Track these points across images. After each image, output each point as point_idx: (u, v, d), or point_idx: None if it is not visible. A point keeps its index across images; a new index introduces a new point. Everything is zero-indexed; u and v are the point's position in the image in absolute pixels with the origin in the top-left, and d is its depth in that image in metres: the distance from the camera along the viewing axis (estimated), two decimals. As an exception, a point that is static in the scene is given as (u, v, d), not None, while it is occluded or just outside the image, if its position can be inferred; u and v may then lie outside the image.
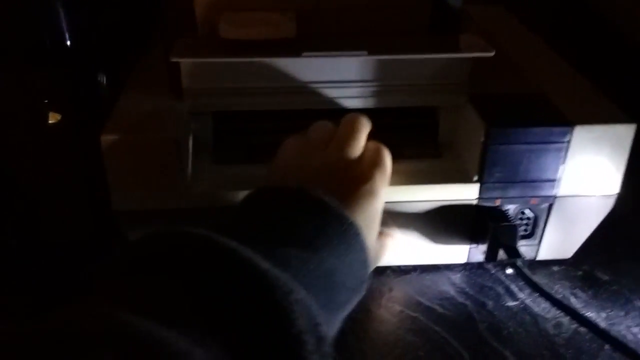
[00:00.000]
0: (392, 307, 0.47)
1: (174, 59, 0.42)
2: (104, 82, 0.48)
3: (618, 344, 0.40)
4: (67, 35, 0.43)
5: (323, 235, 0.31)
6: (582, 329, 0.44)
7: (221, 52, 0.43)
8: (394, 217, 0.47)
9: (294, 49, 0.42)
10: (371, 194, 0.36)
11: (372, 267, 0.35)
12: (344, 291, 0.31)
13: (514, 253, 0.45)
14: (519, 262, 0.44)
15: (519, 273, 0.44)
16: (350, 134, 0.40)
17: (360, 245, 0.33)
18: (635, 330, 0.45)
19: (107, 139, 0.42)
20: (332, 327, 0.32)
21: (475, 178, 0.46)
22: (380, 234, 0.39)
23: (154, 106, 0.45)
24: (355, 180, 0.37)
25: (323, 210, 0.32)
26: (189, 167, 0.45)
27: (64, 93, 0.45)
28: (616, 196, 0.47)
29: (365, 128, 0.41)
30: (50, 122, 0.45)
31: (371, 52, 0.42)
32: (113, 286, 0.25)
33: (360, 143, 0.40)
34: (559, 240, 0.49)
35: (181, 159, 0.43)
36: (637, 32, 0.77)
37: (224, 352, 0.22)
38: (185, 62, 0.43)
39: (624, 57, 0.78)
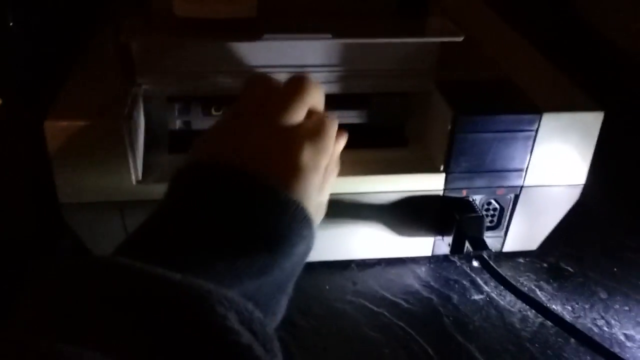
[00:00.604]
0: (355, 302, 0.45)
1: (125, 39, 0.39)
2: (51, 65, 0.44)
3: (584, 338, 0.39)
4: (10, 16, 0.40)
5: (255, 224, 0.28)
6: (548, 323, 0.44)
7: (176, 32, 0.40)
8: (358, 209, 0.45)
9: (255, 30, 0.40)
10: (299, 170, 0.32)
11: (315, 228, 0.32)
12: (281, 273, 0.29)
13: (480, 245, 0.44)
14: (485, 254, 0.43)
15: (485, 265, 0.43)
16: (291, 97, 0.34)
17: (302, 223, 0.30)
18: (600, 323, 0.44)
19: (51, 125, 0.39)
20: (277, 306, 0.30)
21: (442, 168, 0.44)
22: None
23: (103, 90, 0.42)
24: (285, 153, 0.32)
25: (257, 193, 0.29)
26: (140, 157, 0.42)
27: (6, 76, 0.42)
28: (582, 187, 0.46)
29: (310, 92, 0.35)
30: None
31: (336, 36, 0.40)
32: (34, 313, 0.23)
33: (299, 109, 0.34)
34: (524, 231, 0.48)
35: (132, 147, 0.40)
36: (603, 21, 0.77)
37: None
38: (136, 42, 0.40)
39: (589, 46, 0.78)
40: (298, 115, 0.34)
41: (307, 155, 0.32)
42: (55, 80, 0.43)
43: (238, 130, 0.33)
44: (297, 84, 0.35)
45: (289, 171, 0.31)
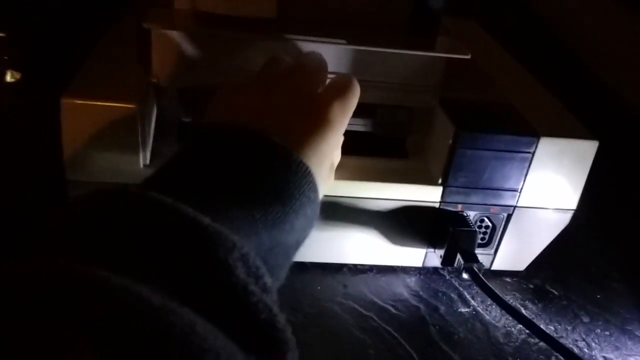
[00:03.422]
0: (345, 304, 0.46)
1: (146, 26, 0.40)
2: (73, 44, 0.46)
3: (567, 353, 0.40)
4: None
5: (270, 179, 0.30)
6: (531, 340, 0.45)
7: (195, 24, 0.42)
8: (355, 214, 0.46)
9: (272, 30, 0.41)
10: (326, 126, 0.34)
11: (321, 195, 0.34)
12: (292, 233, 0.31)
13: (471, 258, 0.45)
14: (475, 267, 0.44)
15: (475, 278, 0.44)
16: (309, 65, 0.39)
17: (310, 187, 0.32)
18: (581, 344, 0.45)
19: (67, 102, 0.40)
20: (282, 269, 0.32)
21: (440, 181, 0.46)
22: None
23: (121, 74, 0.43)
24: (310, 111, 0.34)
25: (270, 154, 0.31)
26: (150, 143, 0.43)
27: (26, 51, 0.43)
28: (573, 212, 0.48)
29: (325, 64, 0.40)
30: (8, 80, 0.43)
31: (350, 42, 0.42)
32: (55, 238, 0.24)
33: (319, 74, 0.39)
34: (514, 251, 0.50)
35: (143, 132, 0.41)
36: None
37: (171, 297, 0.21)
38: (157, 30, 0.42)
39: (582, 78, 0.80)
40: (322, 82, 0.38)
41: (334, 111, 0.35)
42: (77, 59, 0.44)
43: (262, 98, 0.35)
44: (316, 56, 0.40)
45: (310, 134, 0.33)
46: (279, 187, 0.30)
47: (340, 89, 0.37)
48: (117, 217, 0.24)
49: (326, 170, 0.36)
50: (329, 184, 0.40)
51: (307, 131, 0.34)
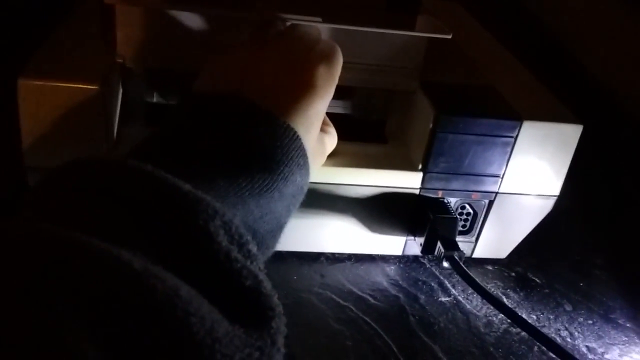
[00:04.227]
0: (322, 294, 0.44)
1: (110, 2, 0.38)
2: (33, 22, 0.43)
3: (549, 343, 0.39)
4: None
5: (256, 146, 0.29)
6: (513, 329, 0.44)
7: (162, 1, 0.40)
8: (333, 200, 0.44)
9: (245, 6, 0.39)
10: (312, 90, 0.33)
11: (311, 170, 0.33)
12: (281, 200, 0.30)
13: (451, 246, 0.44)
14: (456, 255, 0.43)
15: (455, 266, 0.43)
16: (296, 31, 0.38)
17: (298, 152, 0.31)
18: (564, 333, 0.44)
19: (24, 83, 0.37)
20: (274, 236, 0.31)
21: (420, 167, 0.44)
22: (321, 130, 0.38)
23: (83, 54, 0.41)
24: (297, 76, 0.34)
25: (255, 119, 0.30)
26: (115, 126, 0.41)
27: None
28: (556, 198, 0.47)
29: (315, 33, 0.39)
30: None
31: (326, 20, 0.40)
32: (34, 206, 0.24)
33: (306, 38, 0.37)
34: (495, 238, 0.48)
35: (107, 114, 0.39)
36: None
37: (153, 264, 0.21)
38: (121, 6, 0.39)
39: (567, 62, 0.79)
40: (311, 46, 0.36)
41: (321, 76, 0.34)
42: (38, 38, 0.41)
43: (248, 62, 0.34)
44: (304, 27, 0.38)
45: (296, 98, 0.32)
46: (265, 153, 0.29)
47: (325, 54, 0.36)
48: (96, 184, 0.24)
49: (314, 137, 0.35)
50: (319, 164, 0.39)
51: (293, 96, 0.33)
